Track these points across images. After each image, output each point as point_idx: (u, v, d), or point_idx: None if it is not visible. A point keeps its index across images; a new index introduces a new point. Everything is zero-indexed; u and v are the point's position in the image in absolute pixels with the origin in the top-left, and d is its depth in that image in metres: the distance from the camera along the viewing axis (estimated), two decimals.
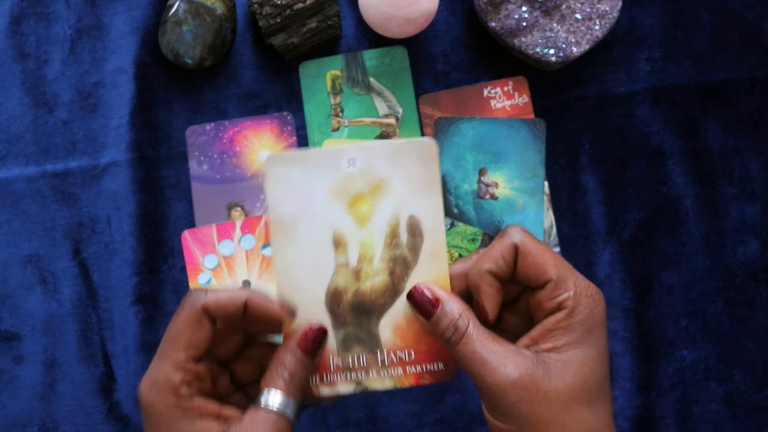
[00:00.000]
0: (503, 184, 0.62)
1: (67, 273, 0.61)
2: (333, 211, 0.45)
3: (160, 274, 0.61)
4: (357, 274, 0.45)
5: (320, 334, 0.44)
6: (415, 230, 0.45)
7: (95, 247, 0.61)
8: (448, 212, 0.62)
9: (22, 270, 0.61)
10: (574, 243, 0.62)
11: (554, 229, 0.62)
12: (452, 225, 0.62)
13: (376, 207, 0.45)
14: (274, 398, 0.42)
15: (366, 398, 0.61)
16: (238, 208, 0.62)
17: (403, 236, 0.45)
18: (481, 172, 0.62)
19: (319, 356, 0.44)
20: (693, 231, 0.63)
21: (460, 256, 0.61)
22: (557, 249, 0.62)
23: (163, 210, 0.62)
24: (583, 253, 0.62)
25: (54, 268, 0.61)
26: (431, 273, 0.45)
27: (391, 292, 0.45)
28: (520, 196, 0.62)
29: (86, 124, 0.62)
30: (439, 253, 0.45)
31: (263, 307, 0.43)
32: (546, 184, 0.63)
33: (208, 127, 0.62)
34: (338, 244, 0.45)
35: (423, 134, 0.63)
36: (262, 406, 0.41)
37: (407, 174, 0.45)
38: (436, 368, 0.46)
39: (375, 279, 0.45)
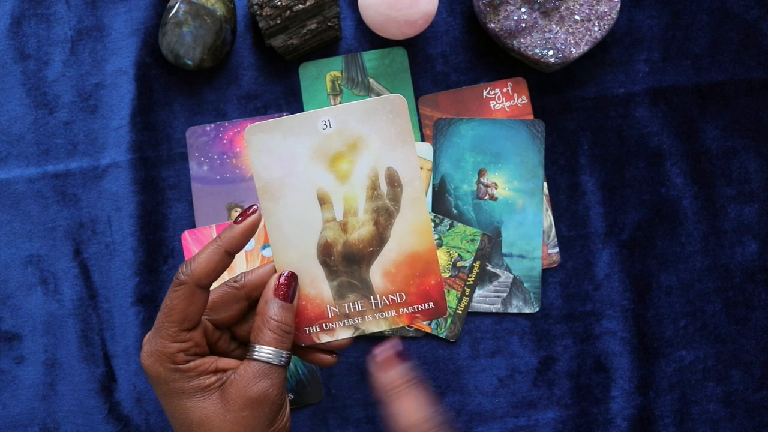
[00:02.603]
0: (502, 184, 0.62)
1: (68, 273, 0.61)
2: (315, 171, 0.48)
3: (161, 274, 0.62)
4: (344, 226, 0.48)
5: (291, 279, 0.48)
6: (393, 180, 0.48)
7: (96, 248, 0.62)
8: (447, 213, 0.62)
9: (23, 270, 0.61)
10: (573, 243, 0.63)
11: (553, 230, 0.62)
12: (451, 225, 0.62)
13: (355, 163, 0.48)
14: (263, 349, 0.45)
15: (365, 398, 0.61)
16: (238, 209, 0.62)
17: (383, 187, 0.48)
18: (481, 172, 0.63)
19: (296, 301, 0.48)
20: (691, 231, 0.63)
21: (460, 256, 0.62)
22: (556, 249, 0.62)
23: (163, 211, 0.62)
24: (582, 253, 0.63)
25: (55, 269, 0.61)
26: (413, 219, 0.48)
27: (378, 240, 0.49)
28: (520, 197, 0.62)
29: (87, 125, 0.62)
30: (419, 199, 0.48)
31: (237, 237, 0.46)
32: (545, 184, 0.63)
33: (208, 128, 0.63)
34: (323, 201, 0.48)
35: (423, 135, 0.63)
36: (254, 357, 0.45)
37: (381, 129, 0.48)
38: (427, 307, 0.49)
39: (361, 230, 0.48)
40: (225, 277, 0.61)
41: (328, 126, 0.48)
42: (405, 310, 0.49)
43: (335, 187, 0.48)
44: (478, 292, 0.62)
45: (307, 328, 0.49)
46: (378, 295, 0.49)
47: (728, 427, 0.62)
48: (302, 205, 0.48)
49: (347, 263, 0.48)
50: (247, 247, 0.62)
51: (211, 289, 0.50)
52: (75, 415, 0.61)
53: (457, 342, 0.62)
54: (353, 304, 0.49)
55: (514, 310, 0.62)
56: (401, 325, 0.49)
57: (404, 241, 0.48)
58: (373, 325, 0.49)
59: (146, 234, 0.62)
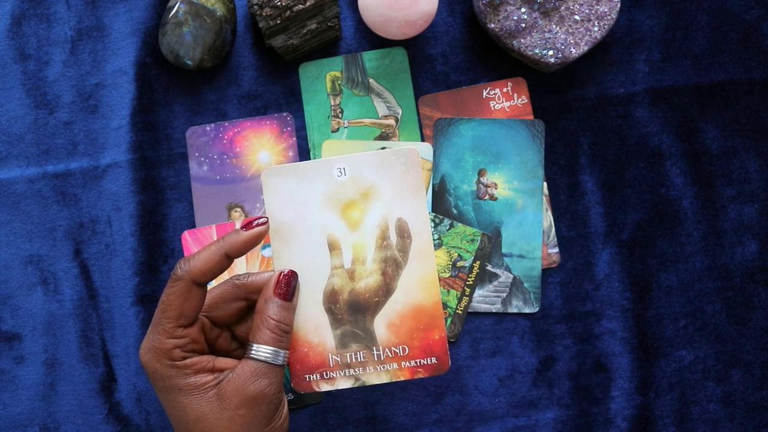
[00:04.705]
0: (502, 184, 0.62)
1: (68, 273, 0.61)
2: (327, 217, 0.48)
3: (161, 274, 0.62)
4: (351, 274, 0.48)
5: (291, 277, 0.47)
6: (403, 232, 0.49)
7: (96, 248, 0.62)
8: (447, 213, 0.62)
9: (23, 270, 0.61)
10: (573, 244, 0.63)
11: (553, 230, 0.62)
12: (451, 225, 0.62)
13: (367, 212, 0.49)
14: (261, 349, 0.46)
15: (365, 398, 0.61)
16: (238, 209, 0.62)
17: (393, 238, 0.49)
18: (481, 172, 0.63)
19: (296, 300, 0.48)
20: (691, 231, 0.63)
21: (460, 256, 0.62)
22: (556, 249, 0.62)
23: (163, 211, 0.62)
24: (582, 253, 0.63)
25: (55, 269, 0.62)
26: (421, 271, 0.49)
27: (384, 291, 0.49)
28: (519, 197, 0.62)
29: (87, 125, 0.62)
30: (427, 252, 0.49)
31: (240, 243, 0.46)
32: (545, 184, 0.63)
33: (208, 128, 0.63)
34: (333, 247, 0.48)
35: (423, 135, 0.63)
36: (252, 356, 0.46)
37: (393, 180, 0.48)
38: (429, 362, 0.49)
39: (368, 279, 0.49)
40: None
41: (343, 173, 0.48)
42: (407, 363, 0.49)
43: (345, 235, 0.49)
44: (478, 292, 0.62)
45: (307, 376, 0.49)
46: (381, 347, 0.49)
47: (728, 427, 0.62)
48: (312, 250, 0.48)
49: (352, 312, 0.49)
50: None
51: (213, 285, 0.50)
52: (75, 415, 0.61)
53: (457, 342, 0.62)
54: (355, 354, 0.49)
55: (514, 310, 0.62)
56: (402, 379, 0.49)
57: (410, 293, 0.49)
58: (374, 376, 0.49)
59: (146, 234, 0.62)
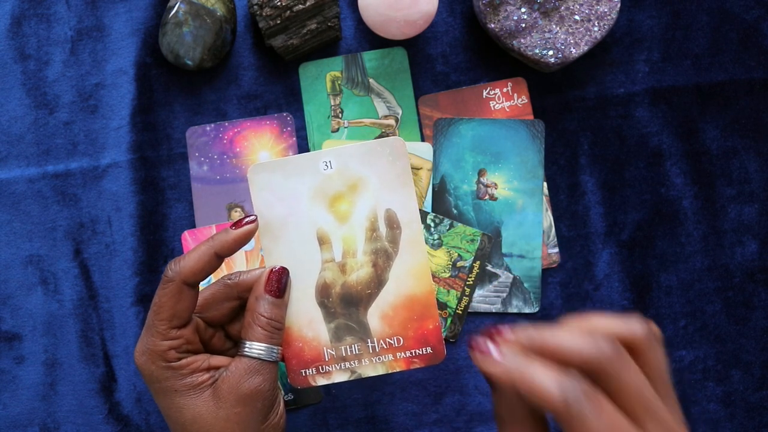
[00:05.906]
0: (502, 184, 0.62)
1: (68, 273, 0.61)
2: (315, 211, 0.48)
3: (161, 274, 0.62)
4: (343, 267, 0.49)
5: (282, 273, 0.47)
6: (392, 222, 0.48)
7: (96, 248, 0.62)
8: (447, 213, 0.62)
9: (23, 270, 0.61)
10: (573, 244, 0.63)
11: (553, 230, 0.62)
12: (451, 226, 0.62)
13: (355, 204, 0.49)
14: (254, 345, 0.46)
15: (365, 398, 0.61)
16: (238, 209, 0.62)
17: (382, 229, 0.49)
18: (481, 172, 0.63)
19: (287, 296, 0.48)
20: (691, 231, 0.63)
21: (460, 256, 0.62)
22: (556, 249, 0.62)
23: (163, 211, 0.62)
24: (582, 253, 0.63)
25: (55, 269, 0.62)
26: (412, 262, 0.49)
27: (376, 283, 0.49)
28: (519, 197, 0.62)
29: (87, 125, 0.62)
30: (418, 242, 0.48)
31: (230, 242, 0.46)
32: (545, 184, 0.63)
33: (208, 128, 0.63)
34: (322, 241, 0.49)
35: (423, 135, 0.63)
36: (245, 354, 0.46)
37: (380, 171, 0.48)
38: (424, 352, 0.49)
39: (360, 271, 0.49)
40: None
41: (329, 167, 0.48)
42: (402, 354, 0.49)
43: (335, 228, 0.49)
44: (478, 292, 0.62)
45: (303, 371, 0.49)
46: (375, 339, 0.49)
47: (728, 427, 0.62)
48: (302, 244, 0.48)
49: (345, 305, 0.48)
50: (247, 246, 0.62)
51: (209, 285, 0.50)
52: (75, 415, 0.61)
53: (457, 342, 0.62)
54: (350, 347, 0.49)
55: (514, 310, 0.62)
56: (398, 370, 0.49)
57: (402, 283, 0.49)
58: (370, 369, 0.49)
59: (146, 234, 0.62)
